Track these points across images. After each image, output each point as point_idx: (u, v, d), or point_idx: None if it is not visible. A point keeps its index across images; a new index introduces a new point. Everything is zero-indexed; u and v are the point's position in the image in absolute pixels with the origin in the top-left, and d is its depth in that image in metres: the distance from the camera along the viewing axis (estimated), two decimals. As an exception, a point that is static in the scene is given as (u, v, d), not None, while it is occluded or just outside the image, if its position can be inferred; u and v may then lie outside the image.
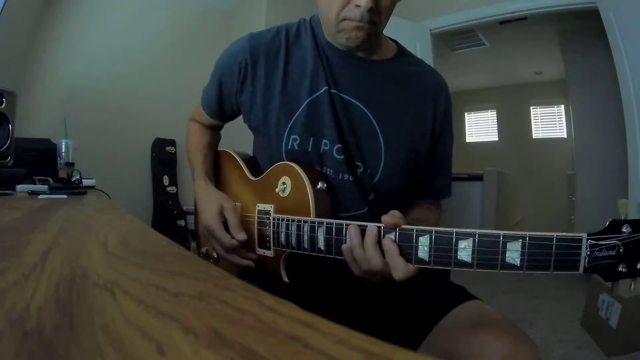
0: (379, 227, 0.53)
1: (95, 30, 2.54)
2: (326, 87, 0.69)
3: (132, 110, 2.69)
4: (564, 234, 0.43)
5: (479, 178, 4.12)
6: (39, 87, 2.32)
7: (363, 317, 0.67)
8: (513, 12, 2.74)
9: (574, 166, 3.70)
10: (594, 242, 0.43)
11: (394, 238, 0.52)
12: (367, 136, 0.70)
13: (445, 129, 0.77)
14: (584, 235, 0.43)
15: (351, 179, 0.69)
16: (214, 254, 0.83)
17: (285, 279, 0.66)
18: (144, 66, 2.76)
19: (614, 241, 0.42)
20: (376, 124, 0.70)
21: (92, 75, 2.52)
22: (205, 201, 0.75)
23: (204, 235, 0.76)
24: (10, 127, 1.31)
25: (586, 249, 0.43)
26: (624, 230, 0.43)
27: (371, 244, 0.52)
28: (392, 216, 0.52)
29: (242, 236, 0.68)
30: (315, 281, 0.71)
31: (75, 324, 0.20)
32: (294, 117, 0.70)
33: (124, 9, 2.66)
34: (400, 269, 0.51)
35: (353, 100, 0.70)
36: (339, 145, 0.68)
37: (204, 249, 0.87)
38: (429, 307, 0.64)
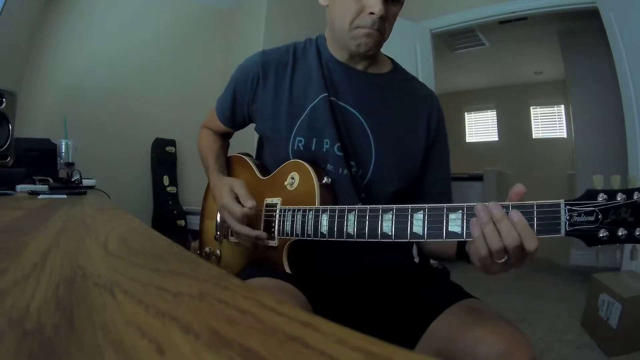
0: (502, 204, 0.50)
1: (95, 30, 2.54)
2: (326, 94, 0.77)
3: (132, 110, 2.68)
4: (543, 201, 0.48)
5: (479, 178, 4.12)
6: (39, 87, 2.31)
7: (360, 315, 0.68)
8: (513, 12, 2.74)
9: (574, 166, 3.70)
10: (571, 207, 0.46)
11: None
12: (360, 139, 0.77)
13: (439, 137, 0.82)
14: (562, 201, 0.47)
15: (347, 173, 0.75)
16: (217, 251, 0.86)
17: (288, 270, 0.69)
18: (144, 66, 2.76)
19: (590, 207, 0.46)
20: (368, 129, 0.77)
21: (91, 75, 2.52)
22: (219, 187, 0.80)
23: (222, 215, 0.79)
24: (10, 127, 1.32)
25: (565, 213, 0.46)
26: (600, 198, 0.46)
27: (503, 217, 0.49)
28: (517, 186, 0.51)
29: (251, 203, 0.72)
30: (315, 276, 0.73)
31: (75, 324, 0.20)
32: (300, 121, 0.77)
33: (123, 9, 2.66)
34: (534, 239, 0.48)
35: (349, 107, 0.78)
36: (339, 143, 0.75)
37: (207, 248, 0.89)
38: (426, 305, 0.65)
